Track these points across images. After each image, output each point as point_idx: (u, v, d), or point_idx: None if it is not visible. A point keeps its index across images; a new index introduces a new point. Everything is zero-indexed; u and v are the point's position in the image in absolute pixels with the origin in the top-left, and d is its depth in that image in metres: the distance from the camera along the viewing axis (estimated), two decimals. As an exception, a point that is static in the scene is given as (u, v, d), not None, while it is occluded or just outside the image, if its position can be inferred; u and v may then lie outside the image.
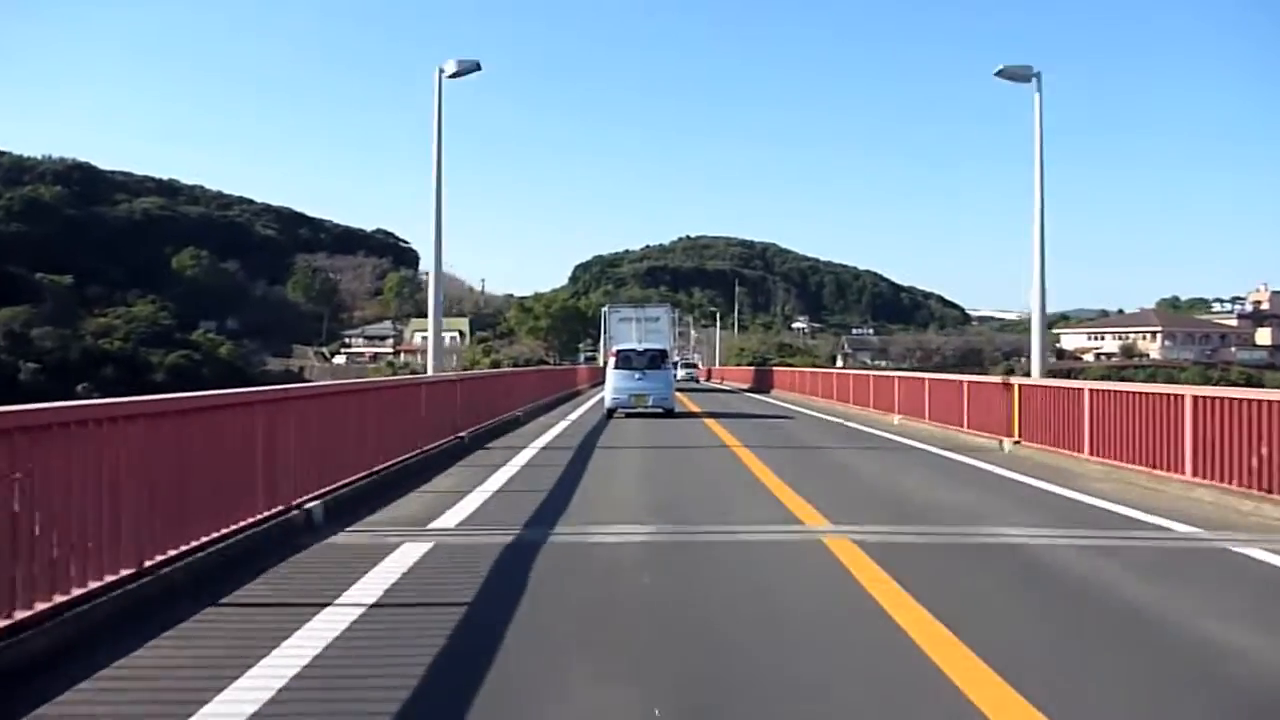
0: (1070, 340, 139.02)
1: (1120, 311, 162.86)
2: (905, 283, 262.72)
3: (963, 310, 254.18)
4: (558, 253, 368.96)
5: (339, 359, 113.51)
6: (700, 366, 65.77)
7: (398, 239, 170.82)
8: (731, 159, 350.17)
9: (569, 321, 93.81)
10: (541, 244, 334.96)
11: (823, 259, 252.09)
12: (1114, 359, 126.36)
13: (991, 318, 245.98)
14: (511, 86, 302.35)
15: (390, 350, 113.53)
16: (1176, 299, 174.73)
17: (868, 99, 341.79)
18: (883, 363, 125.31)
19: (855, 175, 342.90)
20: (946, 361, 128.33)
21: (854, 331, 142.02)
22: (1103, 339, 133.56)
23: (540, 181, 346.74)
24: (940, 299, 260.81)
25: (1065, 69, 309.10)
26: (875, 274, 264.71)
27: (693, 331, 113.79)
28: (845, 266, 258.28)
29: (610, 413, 22.15)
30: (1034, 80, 16.79)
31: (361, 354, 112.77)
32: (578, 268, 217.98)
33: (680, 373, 36.59)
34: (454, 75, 17.66)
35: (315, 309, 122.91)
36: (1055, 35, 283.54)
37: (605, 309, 47.29)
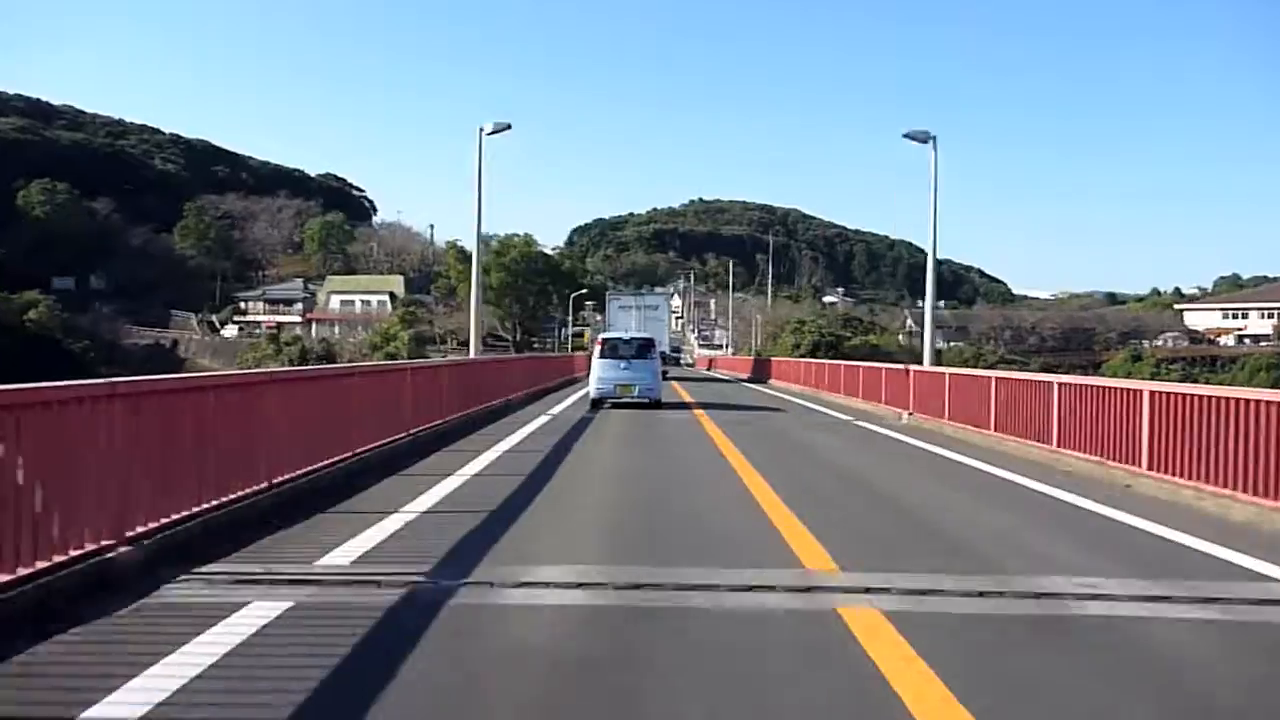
0: (1199, 319, 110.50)
1: (1177, 291, 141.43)
2: (940, 255, 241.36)
3: (1007, 286, 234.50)
4: (551, 213, 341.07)
5: (229, 330, 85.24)
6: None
7: (349, 185, 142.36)
8: (749, 120, 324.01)
9: (536, 276, 65.12)
10: (534, 202, 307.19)
11: (851, 227, 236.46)
12: (1266, 343, 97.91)
13: (1027, 296, 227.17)
14: (512, 41, 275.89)
15: (299, 318, 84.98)
16: (1237, 276, 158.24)
17: (890, 68, 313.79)
18: (960, 344, 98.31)
19: (882, 142, 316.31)
20: (1045, 344, 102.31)
21: (920, 304, 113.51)
22: (1244, 317, 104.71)
23: (538, 136, 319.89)
24: (981, 273, 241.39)
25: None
26: (909, 244, 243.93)
27: (713, 302, 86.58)
28: (877, 235, 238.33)
29: (596, 404, 20.85)
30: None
31: (260, 322, 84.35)
32: (575, 230, 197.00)
33: None
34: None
35: (213, 264, 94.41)
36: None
37: (608, 293, 50.99)
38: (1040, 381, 12.01)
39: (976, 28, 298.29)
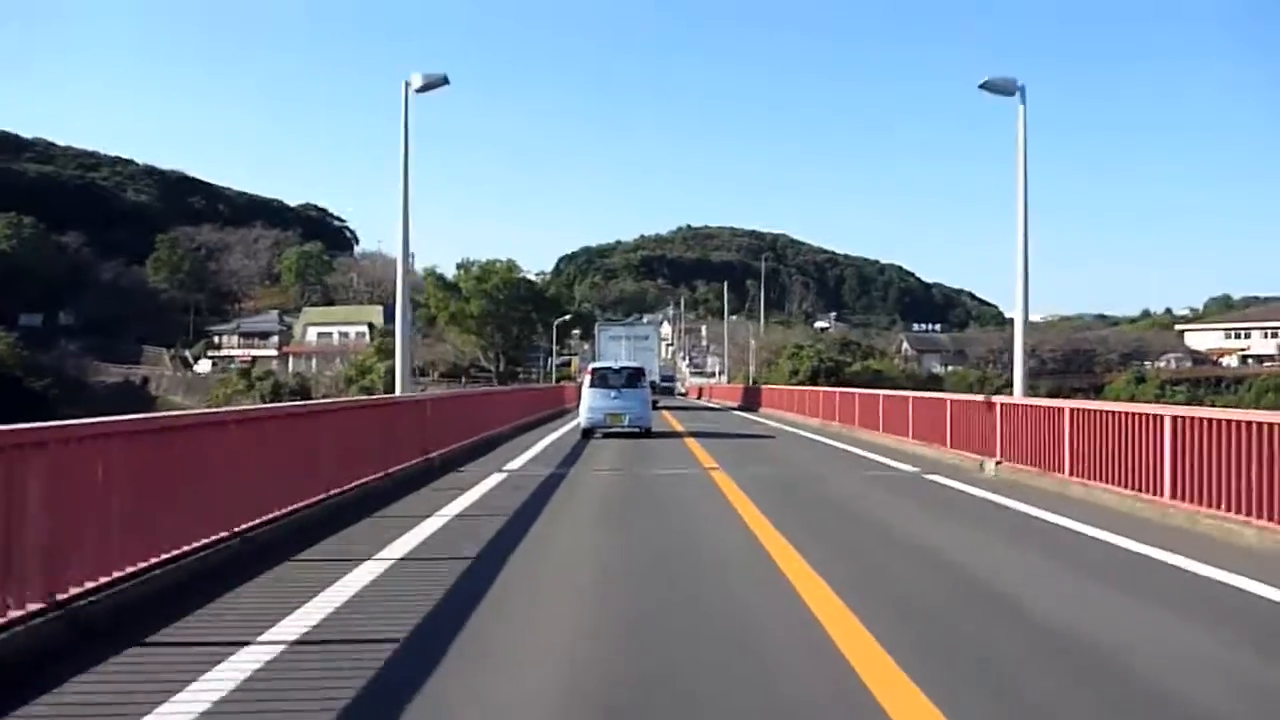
0: (1200, 340, 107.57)
1: (1168, 312, 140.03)
2: (930, 279, 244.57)
3: (999, 309, 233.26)
4: (538, 242, 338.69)
5: (203, 365, 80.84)
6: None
7: (330, 215, 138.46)
8: (737, 146, 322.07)
9: (519, 304, 61.12)
10: (520, 232, 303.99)
11: (840, 251, 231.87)
12: (1270, 364, 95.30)
13: (1012, 319, 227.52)
14: (491, 63, 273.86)
15: (275, 351, 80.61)
16: (1228, 297, 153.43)
17: (878, 92, 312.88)
18: (960, 368, 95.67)
19: (871, 167, 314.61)
20: (1045, 366, 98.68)
21: (915, 328, 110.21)
22: (1247, 336, 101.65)
23: (522, 165, 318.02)
24: (973, 296, 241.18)
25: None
26: (900, 268, 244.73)
27: (704, 328, 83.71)
28: (867, 260, 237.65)
29: (587, 433, 21.39)
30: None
31: (234, 357, 79.97)
32: (562, 259, 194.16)
33: None
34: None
35: (186, 297, 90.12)
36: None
37: (597, 324, 51.32)
38: (1270, 423, 7.25)
39: (967, 47, 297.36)
